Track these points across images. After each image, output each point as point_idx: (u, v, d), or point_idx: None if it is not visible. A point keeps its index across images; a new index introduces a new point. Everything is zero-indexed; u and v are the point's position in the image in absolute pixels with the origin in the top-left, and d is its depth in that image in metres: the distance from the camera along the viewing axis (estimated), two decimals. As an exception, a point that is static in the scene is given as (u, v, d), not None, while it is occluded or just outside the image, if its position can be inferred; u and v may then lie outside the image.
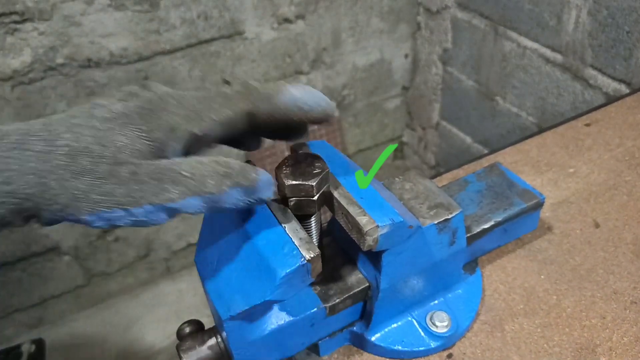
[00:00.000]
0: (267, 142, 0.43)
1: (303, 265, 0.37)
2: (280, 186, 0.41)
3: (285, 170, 0.41)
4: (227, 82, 0.39)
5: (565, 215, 0.63)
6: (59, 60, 1.26)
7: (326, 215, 0.48)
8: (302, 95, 0.38)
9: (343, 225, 0.42)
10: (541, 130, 0.77)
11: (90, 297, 1.56)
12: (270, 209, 0.41)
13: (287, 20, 1.45)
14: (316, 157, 0.42)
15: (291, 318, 0.44)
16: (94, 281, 1.54)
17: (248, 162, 0.39)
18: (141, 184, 0.31)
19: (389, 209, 0.41)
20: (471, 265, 0.55)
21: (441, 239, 0.48)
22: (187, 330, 0.46)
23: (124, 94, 0.35)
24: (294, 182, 0.40)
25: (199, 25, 1.34)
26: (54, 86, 1.28)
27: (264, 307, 0.43)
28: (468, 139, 1.60)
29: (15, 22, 1.16)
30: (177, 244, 1.62)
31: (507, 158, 0.72)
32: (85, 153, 0.31)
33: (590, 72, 1.10)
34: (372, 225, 0.40)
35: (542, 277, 0.56)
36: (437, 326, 0.49)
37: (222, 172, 0.33)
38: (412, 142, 1.91)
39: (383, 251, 0.44)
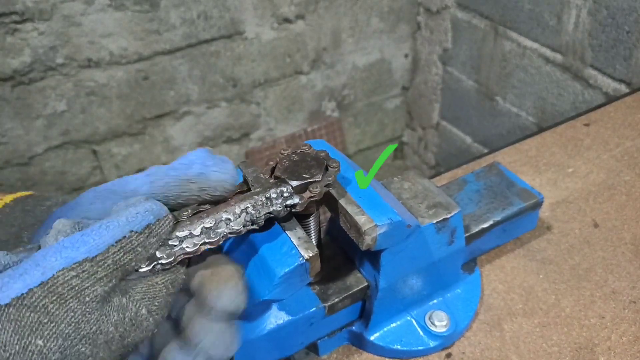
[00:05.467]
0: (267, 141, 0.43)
1: (301, 264, 0.37)
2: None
3: (283, 163, 0.39)
4: None
5: (564, 215, 0.63)
6: (59, 60, 1.26)
7: (325, 215, 0.48)
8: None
9: (342, 225, 0.42)
10: (540, 130, 0.76)
11: (90, 297, 1.55)
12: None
13: (287, 20, 1.45)
14: (318, 160, 0.40)
15: (290, 317, 0.44)
16: (94, 281, 1.54)
17: (246, 159, 0.38)
18: None
19: (387, 209, 0.41)
20: (470, 265, 0.55)
21: (440, 239, 0.48)
22: (186, 329, 0.46)
23: None
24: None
25: (199, 25, 1.34)
26: (54, 86, 1.28)
27: (263, 307, 0.43)
28: (468, 139, 1.60)
29: (15, 22, 1.17)
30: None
31: (506, 158, 0.72)
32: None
33: (590, 72, 1.10)
34: (370, 224, 0.40)
35: (541, 276, 0.56)
36: (436, 326, 0.49)
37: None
38: (412, 142, 1.91)
39: (382, 250, 0.44)
